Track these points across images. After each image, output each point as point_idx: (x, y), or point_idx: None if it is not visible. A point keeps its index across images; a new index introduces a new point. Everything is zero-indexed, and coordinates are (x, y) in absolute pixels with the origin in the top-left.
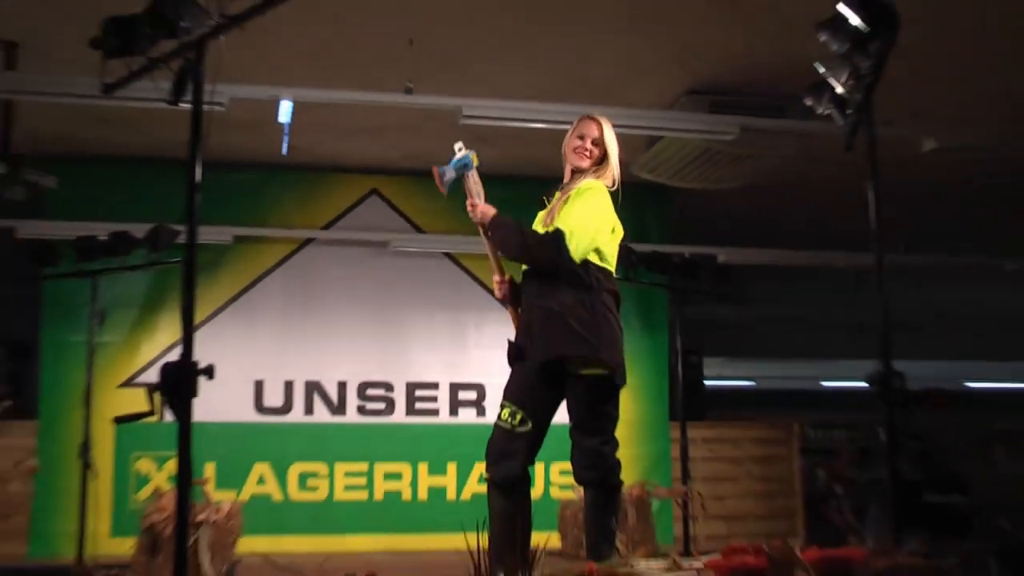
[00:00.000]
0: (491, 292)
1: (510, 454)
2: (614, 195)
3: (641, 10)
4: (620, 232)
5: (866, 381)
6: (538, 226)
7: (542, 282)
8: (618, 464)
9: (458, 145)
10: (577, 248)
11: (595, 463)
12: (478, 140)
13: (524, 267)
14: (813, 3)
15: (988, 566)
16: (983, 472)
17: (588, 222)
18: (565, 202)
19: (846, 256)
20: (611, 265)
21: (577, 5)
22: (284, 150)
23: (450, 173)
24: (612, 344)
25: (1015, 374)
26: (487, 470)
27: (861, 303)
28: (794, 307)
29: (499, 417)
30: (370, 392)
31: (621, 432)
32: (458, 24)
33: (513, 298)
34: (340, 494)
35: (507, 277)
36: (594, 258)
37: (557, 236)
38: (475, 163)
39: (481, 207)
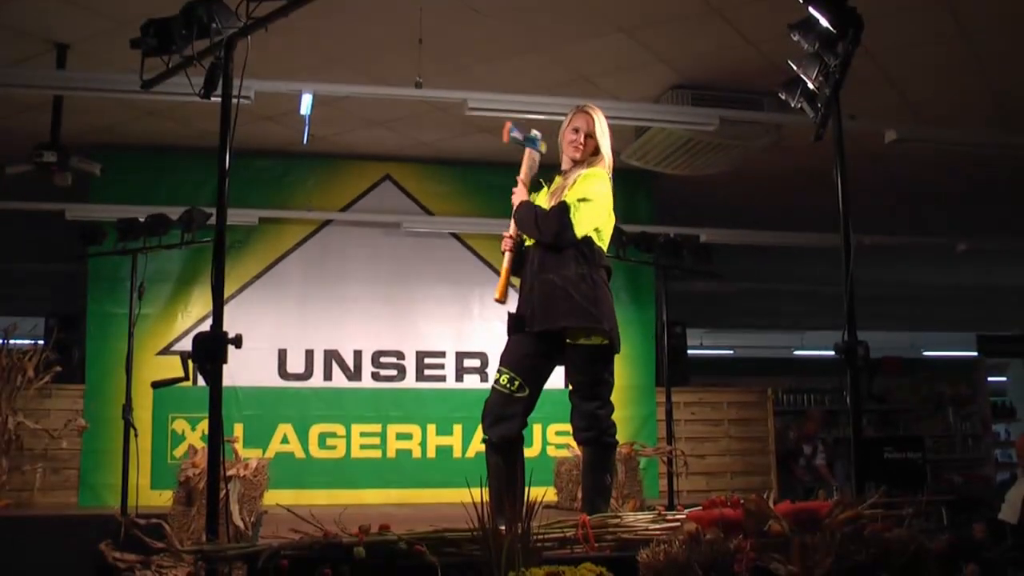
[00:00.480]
0: (493, 269)
1: (508, 417)
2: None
3: (630, 14)
4: (614, 217)
5: (833, 350)
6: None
7: (546, 257)
8: (613, 425)
9: (536, 131)
10: (580, 222)
11: (592, 424)
12: (482, 131)
13: (529, 241)
14: (787, 6)
15: (940, 515)
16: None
17: (592, 200)
18: (572, 185)
19: (815, 236)
20: (605, 245)
21: (573, 10)
22: (305, 139)
23: (517, 135)
24: (610, 315)
25: (964, 343)
26: (485, 431)
27: (830, 279)
28: (769, 283)
29: (497, 382)
30: (383, 360)
31: (613, 396)
32: (464, 24)
33: (515, 254)
34: (356, 452)
35: (517, 235)
36: (594, 236)
37: (562, 209)
38: (541, 148)
39: (518, 194)
